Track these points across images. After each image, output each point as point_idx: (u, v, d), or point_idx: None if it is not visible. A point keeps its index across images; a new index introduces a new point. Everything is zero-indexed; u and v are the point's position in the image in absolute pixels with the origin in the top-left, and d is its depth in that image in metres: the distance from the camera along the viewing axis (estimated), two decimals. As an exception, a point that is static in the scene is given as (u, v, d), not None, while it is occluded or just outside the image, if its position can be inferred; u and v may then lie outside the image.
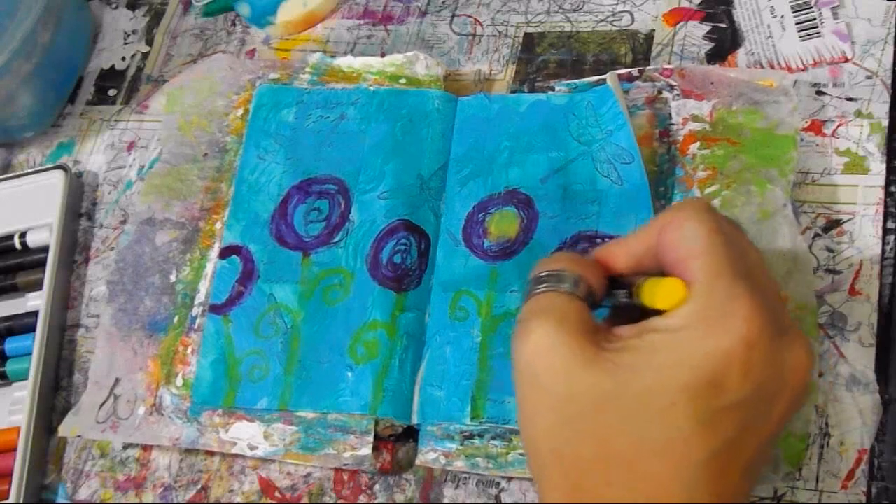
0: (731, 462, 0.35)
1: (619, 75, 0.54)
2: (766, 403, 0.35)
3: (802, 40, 0.54)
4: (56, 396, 0.57)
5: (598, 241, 0.50)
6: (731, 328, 0.34)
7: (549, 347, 0.36)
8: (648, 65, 0.55)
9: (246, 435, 0.51)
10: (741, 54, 0.54)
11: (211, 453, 0.52)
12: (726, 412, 0.34)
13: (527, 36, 0.59)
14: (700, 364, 0.34)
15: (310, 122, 0.58)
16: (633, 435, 0.35)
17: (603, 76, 0.53)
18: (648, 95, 0.53)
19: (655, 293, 0.37)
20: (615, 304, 0.40)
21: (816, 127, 0.51)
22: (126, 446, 0.54)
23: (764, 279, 0.38)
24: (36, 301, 0.59)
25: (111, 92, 0.67)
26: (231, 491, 0.51)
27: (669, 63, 0.55)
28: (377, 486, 0.50)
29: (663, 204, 0.50)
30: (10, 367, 0.57)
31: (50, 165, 0.62)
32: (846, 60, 0.52)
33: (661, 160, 0.52)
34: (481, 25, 0.61)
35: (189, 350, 0.54)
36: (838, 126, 0.51)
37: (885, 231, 0.48)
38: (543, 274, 0.39)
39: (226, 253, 0.55)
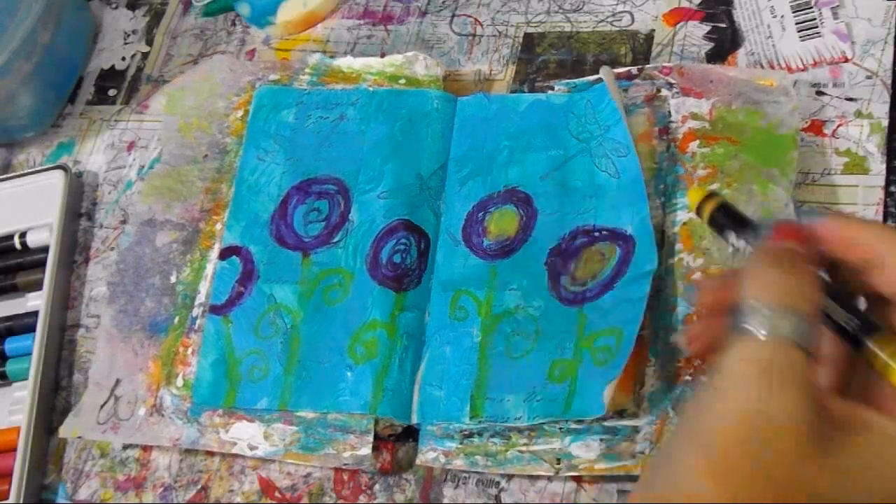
0: None
1: (619, 74, 0.54)
2: None
3: (802, 40, 0.53)
4: (56, 396, 0.57)
5: (597, 234, 0.50)
6: None
7: (784, 421, 0.31)
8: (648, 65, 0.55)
9: (246, 435, 0.51)
10: (741, 54, 0.54)
11: (211, 453, 0.52)
12: None
13: (527, 36, 0.59)
14: None
15: (309, 123, 0.57)
16: None
17: (601, 75, 0.53)
18: (647, 93, 0.53)
19: None
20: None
21: (816, 127, 0.51)
22: (126, 446, 0.54)
23: None
24: (36, 301, 0.59)
25: (111, 92, 0.67)
26: (231, 491, 0.51)
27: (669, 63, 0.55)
28: (377, 486, 0.50)
29: (662, 201, 0.50)
30: (10, 367, 0.57)
31: (50, 165, 0.62)
32: (846, 60, 0.52)
33: (660, 158, 0.52)
34: (481, 25, 0.60)
35: (189, 351, 0.54)
36: (838, 126, 0.51)
37: (885, 231, 0.48)
38: (789, 312, 0.32)
39: (226, 254, 0.55)
